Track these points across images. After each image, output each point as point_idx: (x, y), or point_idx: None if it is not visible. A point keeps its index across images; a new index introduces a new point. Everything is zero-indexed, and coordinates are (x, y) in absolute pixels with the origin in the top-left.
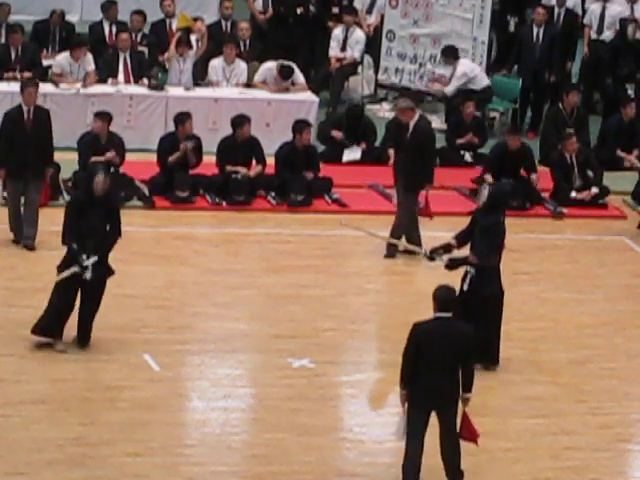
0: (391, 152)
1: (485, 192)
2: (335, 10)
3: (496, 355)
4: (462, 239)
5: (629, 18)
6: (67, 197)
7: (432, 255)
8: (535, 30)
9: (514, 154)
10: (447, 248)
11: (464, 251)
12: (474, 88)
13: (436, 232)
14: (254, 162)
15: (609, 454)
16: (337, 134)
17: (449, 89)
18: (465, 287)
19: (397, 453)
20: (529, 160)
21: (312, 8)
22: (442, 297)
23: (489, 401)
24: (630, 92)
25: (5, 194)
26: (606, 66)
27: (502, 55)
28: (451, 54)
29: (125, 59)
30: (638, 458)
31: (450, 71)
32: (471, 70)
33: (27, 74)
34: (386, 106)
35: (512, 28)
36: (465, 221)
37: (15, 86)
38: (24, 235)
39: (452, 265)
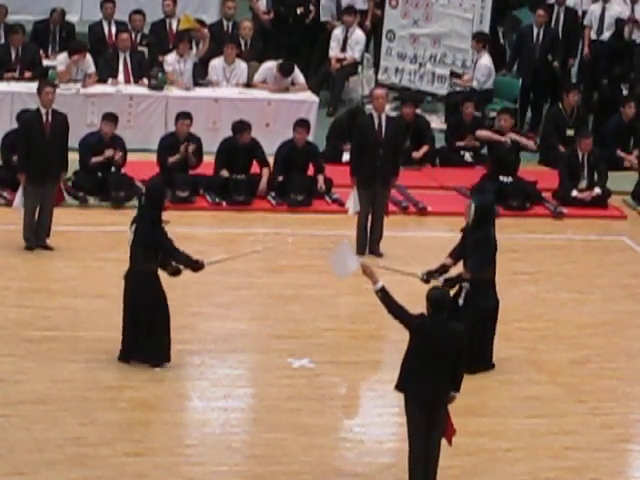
0: (347, 148)
1: (472, 208)
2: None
3: (489, 363)
4: (456, 256)
5: (626, 19)
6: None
7: (428, 278)
8: (535, 30)
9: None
10: (443, 269)
11: (459, 268)
12: (487, 88)
13: (436, 232)
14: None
15: (609, 454)
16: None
17: (475, 83)
18: (460, 302)
19: (397, 453)
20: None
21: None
22: (435, 298)
23: (489, 401)
24: (625, 92)
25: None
26: (602, 66)
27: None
28: (482, 40)
29: (125, 59)
30: (638, 458)
31: (471, 57)
32: (491, 67)
33: (27, 74)
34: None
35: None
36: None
37: (15, 86)
38: (37, 237)
39: (448, 285)
